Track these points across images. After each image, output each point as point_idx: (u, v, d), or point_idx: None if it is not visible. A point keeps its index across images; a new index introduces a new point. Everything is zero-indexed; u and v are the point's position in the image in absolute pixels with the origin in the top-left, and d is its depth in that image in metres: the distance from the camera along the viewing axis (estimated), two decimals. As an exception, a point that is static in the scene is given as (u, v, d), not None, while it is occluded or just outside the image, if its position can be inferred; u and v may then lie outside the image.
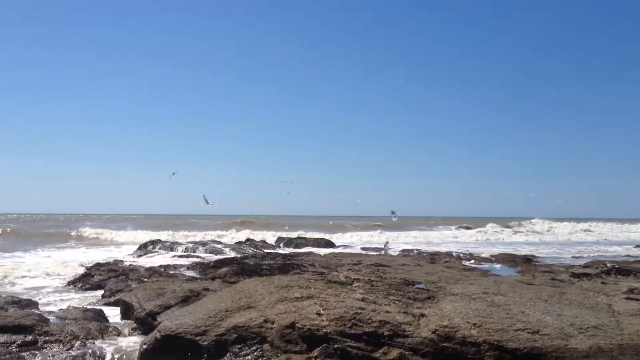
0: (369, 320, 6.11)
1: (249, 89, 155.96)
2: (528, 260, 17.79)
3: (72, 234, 33.08)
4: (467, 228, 50.28)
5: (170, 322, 6.70)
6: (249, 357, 6.09)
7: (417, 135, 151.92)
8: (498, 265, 16.60)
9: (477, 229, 46.85)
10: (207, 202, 21.47)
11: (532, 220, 59.22)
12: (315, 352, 5.72)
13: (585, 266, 14.24)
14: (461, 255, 19.80)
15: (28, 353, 6.71)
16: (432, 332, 5.93)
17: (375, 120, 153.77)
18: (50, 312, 8.84)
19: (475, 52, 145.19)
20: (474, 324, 6.03)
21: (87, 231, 34.21)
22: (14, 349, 6.77)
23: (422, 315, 6.41)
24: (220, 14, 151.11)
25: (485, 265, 16.29)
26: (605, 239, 37.27)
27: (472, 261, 17.68)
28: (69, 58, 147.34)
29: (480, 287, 7.89)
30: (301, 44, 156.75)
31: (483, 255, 20.20)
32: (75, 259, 18.47)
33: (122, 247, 26.07)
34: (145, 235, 31.38)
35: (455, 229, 49.98)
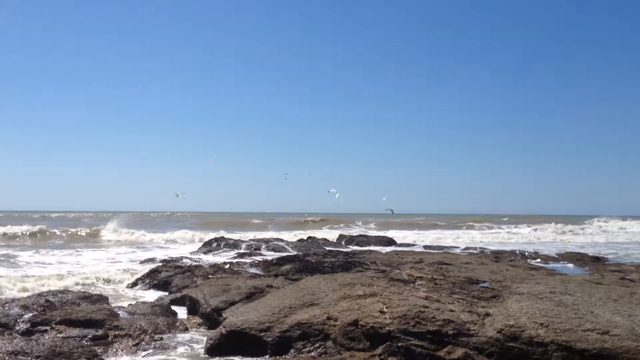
0: (433, 319, 6.06)
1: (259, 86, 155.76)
2: (597, 259, 17.18)
3: (107, 233, 31.48)
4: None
5: (235, 318, 6.85)
6: (313, 353, 6.16)
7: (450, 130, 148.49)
8: (566, 265, 16.10)
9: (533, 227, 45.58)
10: (178, 196, 23.70)
11: (598, 219, 57.08)
12: (379, 350, 5.73)
13: (658, 265, 13.63)
14: (526, 253, 19.30)
15: (99, 347, 6.96)
16: (498, 332, 5.83)
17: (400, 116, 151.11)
18: (119, 307, 9.14)
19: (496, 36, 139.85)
20: (541, 324, 5.89)
21: (125, 231, 32.92)
22: (86, 343, 7.04)
23: (487, 314, 6.31)
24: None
25: (552, 265, 15.82)
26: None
27: (538, 260, 17.19)
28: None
29: (547, 287, 7.69)
30: (300, 41, 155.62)
31: (549, 254, 19.64)
32: (131, 258, 19.08)
33: (173, 245, 26.09)
34: (186, 235, 30.52)
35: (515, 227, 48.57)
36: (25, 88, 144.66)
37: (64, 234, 30.87)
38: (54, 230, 31.89)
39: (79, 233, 31.49)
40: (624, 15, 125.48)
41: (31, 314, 7.98)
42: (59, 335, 7.33)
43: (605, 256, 19.58)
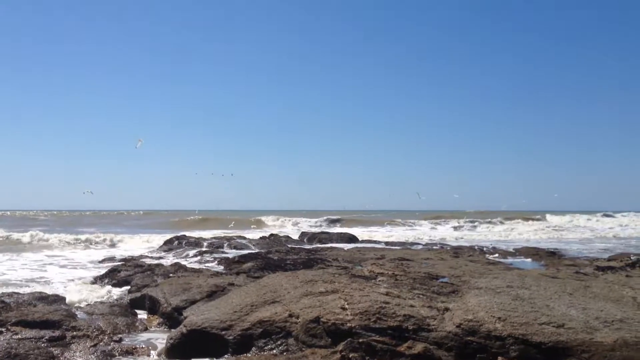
0: (394, 315, 6.13)
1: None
2: (552, 253, 17.64)
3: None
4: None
5: (196, 316, 6.79)
6: (274, 351, 6.16)
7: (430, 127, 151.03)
8: (522, 259, 16.48)
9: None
10: (90, 192, 24.61)
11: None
12: (340, 347, 5.76)
13: (609, 259, 14.09)
14: (484, 249, 19.69)
15: (56, 348, 6.80)
16: (457, 326, 5.93)
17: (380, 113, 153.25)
18: (77, 308, 8.98)
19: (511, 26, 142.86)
20: (499, 318, 6.02)
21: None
22: (43, 344, 6.87)
23: (447, 309, 6.42)
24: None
25: (509, 259, 16.18)
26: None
27: (496, 255, 17.57)
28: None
29: (505, 281, 7.86)
30: (297, 39, 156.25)
31: (507, 249, 20.07)
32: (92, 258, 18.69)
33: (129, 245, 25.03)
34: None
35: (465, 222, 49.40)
36: None
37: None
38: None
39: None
40: (624, 15, 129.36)
41: (-16, 316, 7.76)
42: (14, 336, 7.12)
43: (561, 250, 20.13)
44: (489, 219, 50.01)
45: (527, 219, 53.68)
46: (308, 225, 46.45)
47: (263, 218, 51.31)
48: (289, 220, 49.66)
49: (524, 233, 34.44)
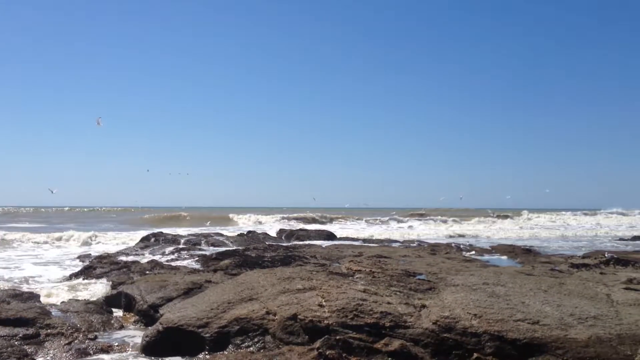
0: (371, 312, 6.15)
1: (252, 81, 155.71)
2: (528, 251, 17.83)
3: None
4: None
5: (173, 314, 6.74)
6: (251, 348, 6.13)
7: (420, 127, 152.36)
8: (498, 257, 16.64)
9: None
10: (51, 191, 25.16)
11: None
12: (317, 344, 5.75)
13: (584, 257, 14.27)
14: (461, 246, 19.84)
15: (30, 346, 6.71)
16: (433, 323, 5.97)
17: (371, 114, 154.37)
18: (52, 305, 8.84)
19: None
20: (475, 315, 6.07)
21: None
22: (16, 342, 6.75)
23: (423, 306, 6.46)
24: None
25: (486, 257, 16.33)
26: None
27: (473, 252, 17.71)
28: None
29: (481, 278, 7.93)
30: (296, 38, 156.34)
31: (483, 246, 20.26)
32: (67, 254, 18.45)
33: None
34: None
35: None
36: None
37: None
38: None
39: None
40: (624, 16, 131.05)
41: (-44, 313, 7.60)
42: (-14, 335, 7.01)
43: (537, 247, 20.38)
44: (469, 217, 50.61)
45: (505, 217, 54.27)
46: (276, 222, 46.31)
47: (233, 215, 51.26)
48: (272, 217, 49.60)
49: (502, 230, 34.72)
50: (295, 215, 52.19)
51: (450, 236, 29.66)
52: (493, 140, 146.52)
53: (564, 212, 61.04)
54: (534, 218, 56.20)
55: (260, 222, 46.82)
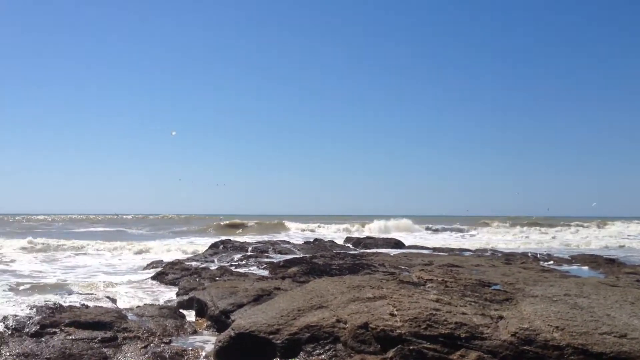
0: (445, 322, 5.93)
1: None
2: (611, 261, 16.95)
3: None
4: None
5: (244, 320, 6.74)
6: (323, 356, 6.04)
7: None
8: (579, 267, 15.91)
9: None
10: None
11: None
12: (390, 353, 5.60)
13: (674, 268, 13.42)
14: (538, 255, 19.12)
15: (108, 349, 6.90)
16: (512, 335, 5.69)
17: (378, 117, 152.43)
18: (127, 310, 9.09)
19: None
20: (556, 327, 5.75)
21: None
22: (95, 345, 6.97)
23: (500, 317, 6.17)
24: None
25: (565, 267, 15.63)
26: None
27: (551, 262, 17.02)
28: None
29: (562, 289, 7.54)
30: (295, 44, 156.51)
31: (562, 256, 19.44)
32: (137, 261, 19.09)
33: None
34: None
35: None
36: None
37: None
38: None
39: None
40: (622, 17, 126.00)
41: (40, 316, 7.91)
42: (68, 337, 7.25)
43: (621, 258, 19.35)
44: (543, 225, 48.81)
45: (584, 226, 51.98)
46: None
47: (288, 223, 51.44)
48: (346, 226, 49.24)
49: (582, 240, 33.14)
50: (358, 222, 51.71)
51: (526, 245, 28.66)
52: (580, 146, 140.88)
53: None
54: (620, 226, 53.27)
55: (312, 230, 46.63)
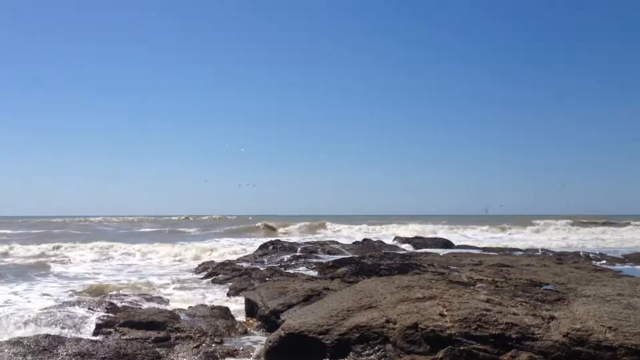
0: (495, 322, 5.91)
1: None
2: (667, 260, 16.43)
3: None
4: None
5: (294, 320, 6.86)
6: (372, 356, 6.10)
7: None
8: (632, 266, 15.47)
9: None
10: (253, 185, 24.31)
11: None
12: (440, 354, 5.62)
13: None
14: (590, 255, 18.66)
15: (162, 348, 7.11)
16: (564, 336, 5.63)
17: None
18: (180, 310, 9.32)
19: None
20: (609, 327, 5.66)
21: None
22: (149, 345, 7.20)
23: (552, 317, 6.11)
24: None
25: (618, 266, 15.22)
26: None
27: (603, 262, 16.59)
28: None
29: (615, 289, 7.40)
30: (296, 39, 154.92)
31: (615, 255, 18.91)
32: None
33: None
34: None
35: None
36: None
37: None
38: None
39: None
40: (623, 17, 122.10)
41: (95, 316, 8.23)
42: (122, 337, 7.52)
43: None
44: (590, 223, 47.44)
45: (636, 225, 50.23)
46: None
47: (329, 224, 51.34)
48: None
49: (635, 239, 32.08)
50: (409, 222, 51.29)
51: (579, 244, 27.96)
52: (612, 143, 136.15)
53: None
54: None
55: (361, 229, 46.40)
